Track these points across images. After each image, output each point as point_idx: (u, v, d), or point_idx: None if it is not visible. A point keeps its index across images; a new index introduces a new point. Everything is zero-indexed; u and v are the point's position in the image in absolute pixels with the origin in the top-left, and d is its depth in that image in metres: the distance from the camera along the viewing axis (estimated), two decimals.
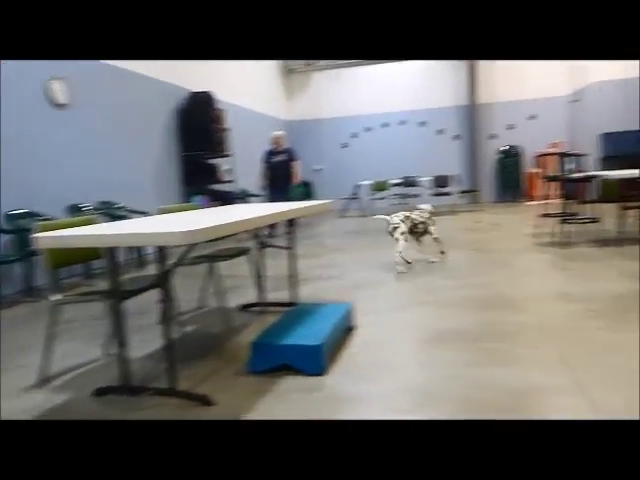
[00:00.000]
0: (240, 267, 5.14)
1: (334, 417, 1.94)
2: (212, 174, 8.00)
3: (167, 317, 2.08)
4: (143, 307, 3.76)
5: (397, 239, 4.53)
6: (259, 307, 3.52)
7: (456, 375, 2.23)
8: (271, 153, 7.80)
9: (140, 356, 2.75)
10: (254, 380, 2.32)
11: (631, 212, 5.40)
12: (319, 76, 12.83)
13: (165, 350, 2.13)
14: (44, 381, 2.49)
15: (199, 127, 7.64)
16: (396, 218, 4.64)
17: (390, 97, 12.41)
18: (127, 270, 5.53)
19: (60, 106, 5.31)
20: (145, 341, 2.99)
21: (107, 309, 2.37)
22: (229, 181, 8.41)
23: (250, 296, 3.89)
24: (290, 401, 2.09)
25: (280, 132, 7.92)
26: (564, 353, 2.39)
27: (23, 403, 2.26)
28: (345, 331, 2.82)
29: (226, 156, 8.22)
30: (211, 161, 8.07)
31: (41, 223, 2.39)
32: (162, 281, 2.04)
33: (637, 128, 9.82)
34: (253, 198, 9.27)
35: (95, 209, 5.43)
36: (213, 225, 1.87)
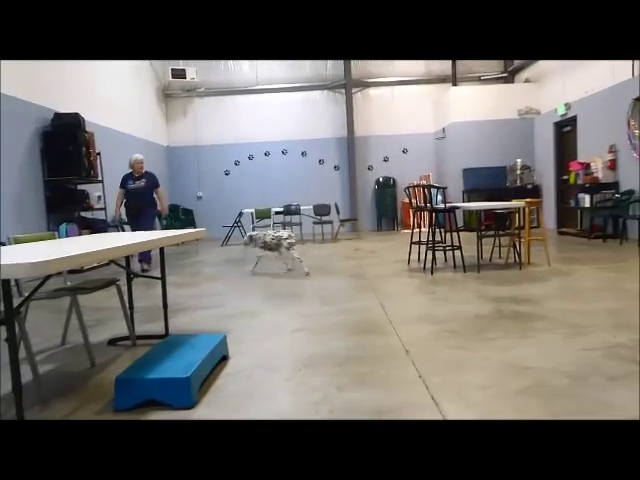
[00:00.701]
0: (110, 299, 4.85)
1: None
2: (82, 200, 7.51)
3: (13, 359, 1.90)
4: None
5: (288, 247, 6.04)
6: (129, 340, 3.34)
7: (324, 400, 2.29)
8: (129, 177, 7.00)
9: None
10: (119, 417, 2.19)
11: (488, 240, 6.01)
12: (199, 102, 12.74)
13: (13, 393, 1.93)
14: None
15: (66, 150, 7.15)
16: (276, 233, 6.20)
17: (272, 126, 12.67)
18: None
19: None
20: None
21: None
22: (101, 208, 7.95)
23: (120, 329, 3.68)
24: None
25: (139, 155, 7.09)
26: (423, 372, 2.56)
27: None
28: (218, 361, 2.77)
29: (97, 182, 7.77)
30: (81, 187, 7.59)
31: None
32: (8, 317, 1.86)
33: (493, 165, 11.04)
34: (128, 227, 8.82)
35: None
36: (68, 255, 1.76)
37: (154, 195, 7.03)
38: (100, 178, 7.79)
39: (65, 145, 7.10)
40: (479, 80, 12.30)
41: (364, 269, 6.20)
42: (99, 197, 7.99)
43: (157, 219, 7.18)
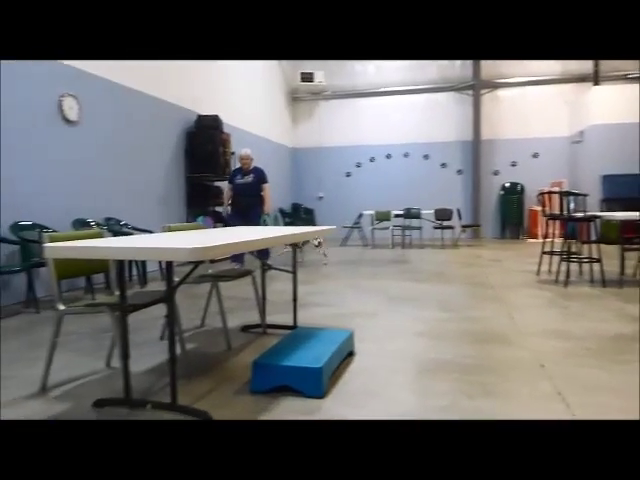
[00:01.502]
0: (237, 289, 5.18)
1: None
2: (216, 196, 8.10)
3: (172, 332, 2.12)
4: (138, 324, 3.79)
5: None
6: (260, 328, 3.55)
7: (453, 406, 2.25)
8: (237, 172, 6.84)
9: (139, 370, 2.77)
10: (253, 399, 2.34)
11: (631, 254, 5.47)
12: (324, 105, 13.09)
13: (168, 365, 2.15)
14: (44, 390, 2.51)
15: (205, 150, 7.77)
16: None
17: (394, 129, 12.63)
18: (129, 286, 5.57)
19: (71, 123, 5.42)
20: (143, 356, 3.01)
21: (112, 321, 2.41)
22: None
23: (249, 317, 3.92)
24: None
25: (246, 150, 6.82)
26: (561, 388, 2.41)
27: (22, 411, 2.28)
28: (345, 357, 2.85)
29: None
30: (216, 184, 8.18)
31: (49, 234, 2.44)
32: (169, 297, 2.08)
33: (636, 172, 10.00)
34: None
35: (99, 225, 5.49)
36: (220, 244, 1.92)
37: (262, 193, 6.78)
38: None
39: (205, 145, 7.72)
40: (624, 79, 11.21)
41: (487, 277, 5.96)
42: None
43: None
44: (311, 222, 12.51)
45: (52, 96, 5.17)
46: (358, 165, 12.92)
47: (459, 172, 12.42)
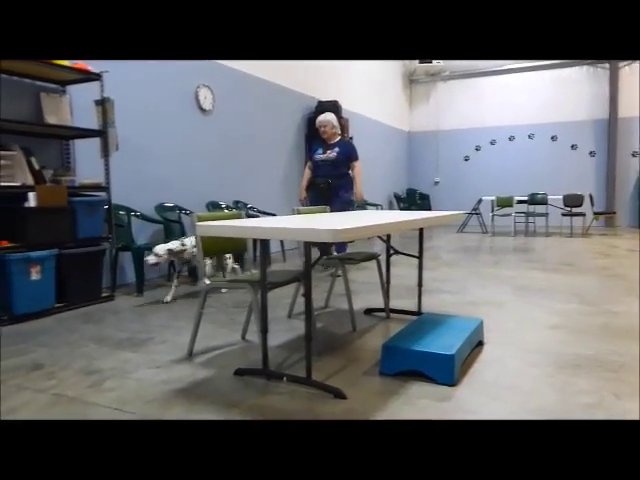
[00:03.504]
0: (356, 273, 5.24)
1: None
2: None
3: (309, 310, 2.20)
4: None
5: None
6: (384, 312, 3.57)
7: (599, 404, 2.10)
8: (318, 146, 5.29)
9: (271, 345, 2.92)
10: (382, 381, 2.37)
11: None
12: (442, 86, 12.65)
13: (304, 341, 2.25)
14: (190, 356, 2.75)
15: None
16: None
17: (518, 109, 11.88)
18: (254, 266, 5.88)
19: (205, 111, 5.80)
20: (273, 332, 3.17)
21: (253, 298, 2.56)
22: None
23: (370, 301, 3.96)
24: (419, 407, 2.11)
25: (326, 115, 5.27)
26: None
27: (169, 374, 2.51)
28: (475, 346, 2.77)
29: None
30: None
31: (197, 214, 2.64)
32: (306, 275, 2.16)
33: None
34: (370, 207, 9.36)
35: (229, 207, 5.84)
36: (359, 226, 1.95)
37: (350, 172, 5.20)
38: None
39: None
40: None
41: (625, 269, 5.43)
42: None
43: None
44: (426, 208, 12.26)
45: (190, 87, 5.57)
46: (477, 148, 12.37)
47: (591, 154, 11.39)
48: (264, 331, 2.37)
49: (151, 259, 3.98)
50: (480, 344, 2.86)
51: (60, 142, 4.26)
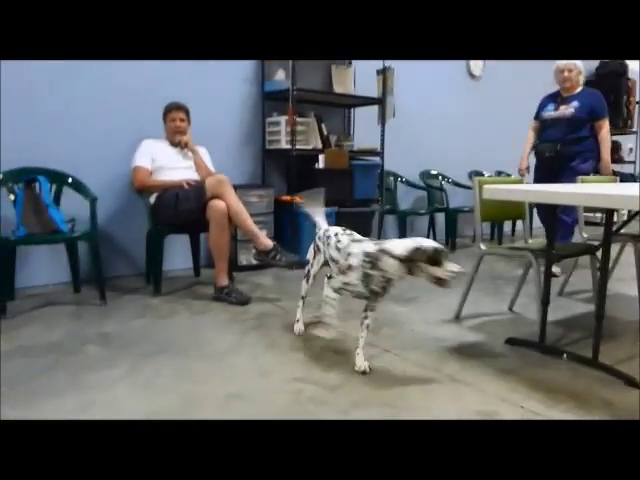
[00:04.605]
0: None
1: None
2: (614, 152, 7.21)
3: (604, 286, 2.03)
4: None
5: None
6: None
7: None
8: (549, 100, 4.02)
9: (550, 320, 2.78)
10: None
11: None
12: None
13: (595, 319, 2.09)
14: (457, 319, 2.82)
15: (606, 99, 6.94)
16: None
17: None
18: (511, 240, 5.65)
19: (474, 77, 5.67)
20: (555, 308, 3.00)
21: (534, 267, 2.46)
22: (631, 162, 7.44)
23: None
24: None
25: (571, 61, 3.83)
26: None
27: (441, 332, 2.62)
28: None
29: (631, 133, 7.27)
30: (614, 138, 7.27)
31: (479, 178, 2.64)
32: (606, 246, 1.98)
33: None
34: None
35: (492, 177, 5.66)
36: None
37: (591, 137, 3.85)
38: (635, 129, 7.26)
39: (607, 93, 6.90)
40: None
41: None
42: (630, 149, 7.50)
43: None
44: None
45: None
46: None
47: None
48: (545, 303, 2.27)
49: None
50: None
51: (343, 110, 4.70)
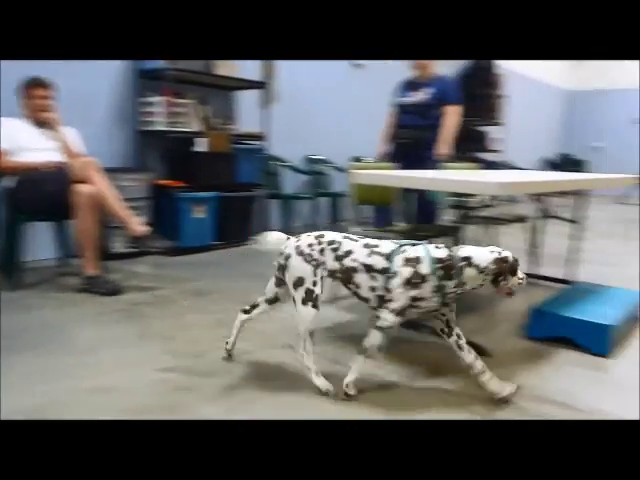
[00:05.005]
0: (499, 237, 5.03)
1: (619, 402, 1.83)
2: (479, 141, 7.84)
3: None
4: None
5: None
6: (531, 278, 3.42)
7: None
8: (406, 86, 3.95)
9: None
10: (528, 345, 2.32)
11: None
12: None
13: None
14: (332, 299, 2.91)
15: (474, 92, 7.49)
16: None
17: None
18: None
19: (359, 66, 5.84)
20: None
21: None
22: (496, 150, 8.13)
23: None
24: (570, 374, 2.04)
25: None
26: None
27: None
28: (633, 320, 2.57)
29: (497, 124, 7.93)
30: (481, 128, 7.90)
31: (354, 163, 2.73)
32: (457, 228, 2.15)
33: None
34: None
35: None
36: (525, 181, 1.89)
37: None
38: (502, 121, 7.89)
39: (474, 86, 7.42)
40: None
41: None
42: (498, 139, 8.13)
43: None
44: None
45: None
46: None
47: None
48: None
49: None
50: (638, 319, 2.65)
51: (226, 93, 4.60)
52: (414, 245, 1.70)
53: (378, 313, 1.70)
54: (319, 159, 5.38)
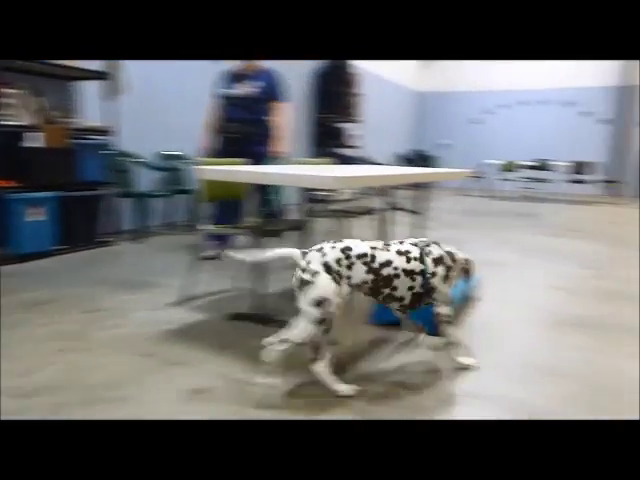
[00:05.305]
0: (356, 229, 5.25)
1: (453, 375, 1.98)
2: (338, 137, 8.12)
3: None
4: None
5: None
6: None
7: (582, 360, 2.15)
8: (232, 77, 3.78)
9: (269, 292, 2.96)
10: (373, 330, 2.42)
11: None
12: None
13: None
14: (183, 300, 2.79)
15: (332, 90, 7.74)
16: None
17: (534, 73, 11.58)
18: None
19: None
20: (278, 281, 3.20)
21: (252, 244, 2.57)
22: (354, 146, 8.48)
23: None
24: (411, 352, 2.18)
25: None
26: None
27: (166, 315, 2.57)
28: (466, 300, 2.81)
29: (354, 121, 8.28)
30: (339, 125, 8.19)
31: (202, 159, 2.64)
32: (305, 223, 2.18)
33: None
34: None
35: None
36: (360, 175, 1.95)
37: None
38: (359, 118, 8.25)
39: (332, 84, 7.68)
40: None
41: (629, 238, 5.43)
42: (357, 136, 8.48)
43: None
44: None
45: None
46: (488, 112, 12.14)
47: (603, 122, 11.17)
48: (257, 278, 2.40)
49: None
50: (474, 300, 2.91)
51: (66, 84, 4.20)
52: (427, 245, 1.92)
53: (437, 309, 1.94)
54: (174, 155, 5.16)
